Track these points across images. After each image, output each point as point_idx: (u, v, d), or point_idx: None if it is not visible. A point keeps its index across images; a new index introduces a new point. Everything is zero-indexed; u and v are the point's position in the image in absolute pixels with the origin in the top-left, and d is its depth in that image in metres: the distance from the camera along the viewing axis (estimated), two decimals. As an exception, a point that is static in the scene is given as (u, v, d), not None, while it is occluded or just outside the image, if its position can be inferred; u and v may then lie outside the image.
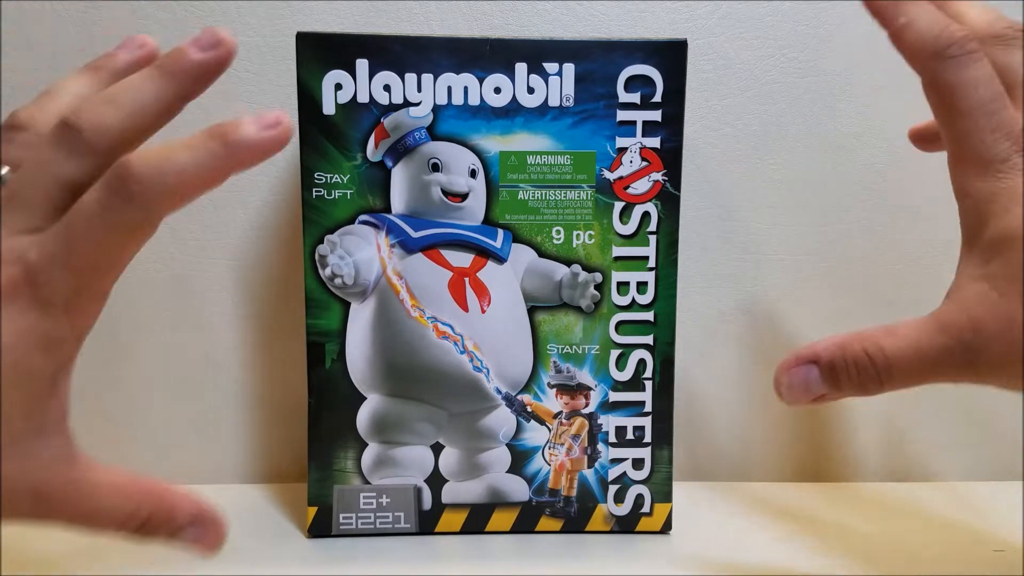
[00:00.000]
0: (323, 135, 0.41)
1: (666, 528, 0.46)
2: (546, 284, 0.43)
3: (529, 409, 0.44)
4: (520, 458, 0.45)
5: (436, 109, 0.41)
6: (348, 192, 0.42)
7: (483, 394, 0.44)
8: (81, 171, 0.25)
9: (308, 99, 0.41)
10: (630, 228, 0.43)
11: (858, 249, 0.53)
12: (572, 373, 0.44)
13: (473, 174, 0.42)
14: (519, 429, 0.44)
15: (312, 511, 0.44)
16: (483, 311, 0.43)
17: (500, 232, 0.43)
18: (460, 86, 0.41)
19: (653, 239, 0.43)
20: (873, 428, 0.55)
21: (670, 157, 0.43)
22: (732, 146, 0.52)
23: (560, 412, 0.44)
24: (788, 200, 0.52)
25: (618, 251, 0.43)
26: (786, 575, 0.41)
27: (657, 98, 0.42)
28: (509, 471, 0.45)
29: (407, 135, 0.42)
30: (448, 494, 0.45)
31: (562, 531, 0.45)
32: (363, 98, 0.41)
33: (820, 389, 0.30)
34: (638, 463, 0.45)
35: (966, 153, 0.29)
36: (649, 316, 0.44)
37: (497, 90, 0.41)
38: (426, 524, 0.45)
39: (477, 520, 0.45)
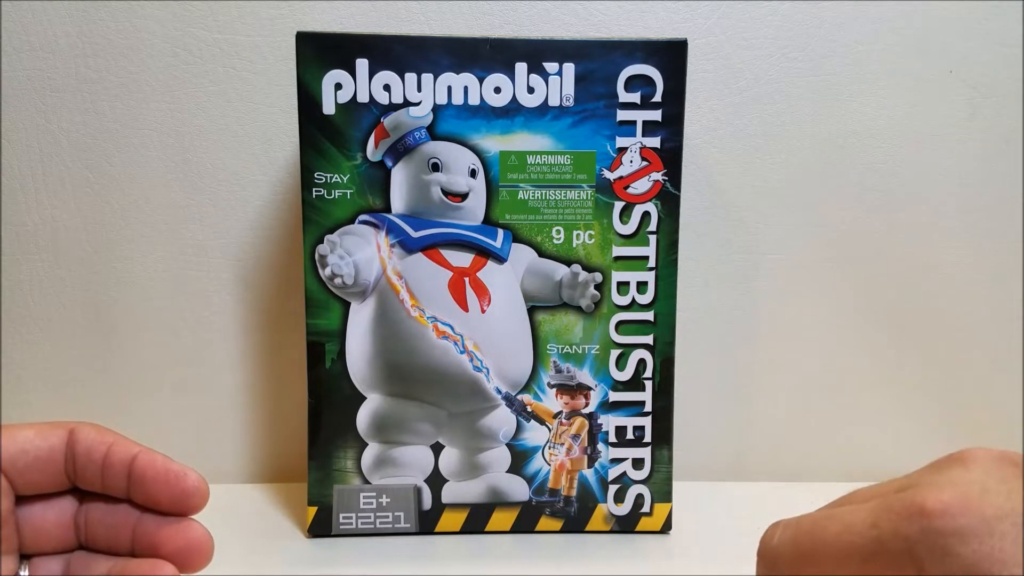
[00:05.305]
0: (323, 135, 0.41)
1: (666, 528, 0.46)
2: (546, 284, 0.43)
3: (529, 409, 0.44)
4: (520, 458, 0.45)
5: (436, 109, 0.41)
6: (348, 192, 0.42)
7: (483, 394, 0.44)
8: None
9: (308, 99, 0.41)
10: (630, 228, 0.43)
11: (858, 249, 0.53)
12: (572, 373, 0.44)
13: (473, 174, 0.42)
14: (519, 429, 0.44)
15: (312, 511, 0.44)
16: (483, 311, 0.43)
17: (500, 232, 0.43)
18: (460, 86, 0.41)
19: (653, 239, 0.43)
20: (872, 428, 0.55)
21: (670, 157, 0.43)
22: (732, 146, 0.52)
23: (560, 412, 0.44)
24: (788, 200, 0.52)
25: (618, 251, 0.43)
26: (786, 575, 0.41)
27: (657, 98, 0.42)
28: (509, 471, 0.45)
29: (407, 135, 0.42)
30: (448, 494, 0.45)
31: (562, 531, 0.45)
32: (363, 98, 0.41)
33: None
34: (638, 463, 0.45)
35: None
36: (649, 316, 0.44)
37: (497, 90, 0.41)
38: (426, 524, 0.45)
39: (477, 520, 0.45)
